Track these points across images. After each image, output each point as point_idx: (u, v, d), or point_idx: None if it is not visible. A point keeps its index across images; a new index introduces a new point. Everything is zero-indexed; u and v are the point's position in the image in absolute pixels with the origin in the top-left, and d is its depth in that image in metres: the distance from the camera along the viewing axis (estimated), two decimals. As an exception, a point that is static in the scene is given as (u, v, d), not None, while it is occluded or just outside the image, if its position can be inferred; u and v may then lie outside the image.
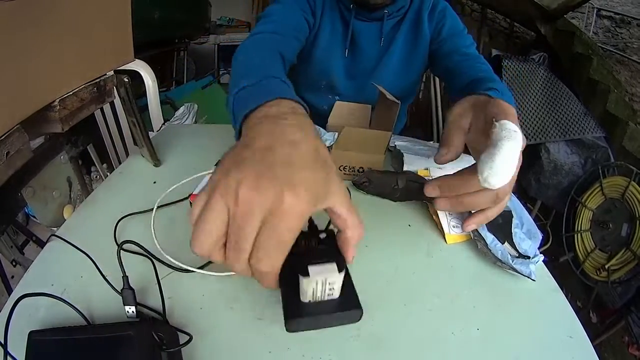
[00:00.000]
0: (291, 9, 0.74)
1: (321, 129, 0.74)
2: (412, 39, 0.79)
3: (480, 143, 0.40)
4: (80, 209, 0.58)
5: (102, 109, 1.12)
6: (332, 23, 0.78)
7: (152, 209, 0.57)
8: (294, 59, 0.73)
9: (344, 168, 0.68)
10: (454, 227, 0.57)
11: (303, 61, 0.83)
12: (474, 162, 0.40)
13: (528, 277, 0.49)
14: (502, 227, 0.54)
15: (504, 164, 0.33)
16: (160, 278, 0.44)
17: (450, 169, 0.68)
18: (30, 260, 0.49)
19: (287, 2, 0.76)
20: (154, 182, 0.64)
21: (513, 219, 0.54)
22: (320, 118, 0.74)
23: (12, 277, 0.67)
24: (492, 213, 0.44)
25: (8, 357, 0.35)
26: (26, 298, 0.37)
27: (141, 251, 0.48)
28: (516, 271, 0.49)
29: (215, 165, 0.61)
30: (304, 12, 0.76)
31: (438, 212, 0.59)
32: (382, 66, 0.82)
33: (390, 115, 0.69)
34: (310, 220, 0.34)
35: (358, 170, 0.68)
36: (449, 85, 0.79)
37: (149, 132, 0.67)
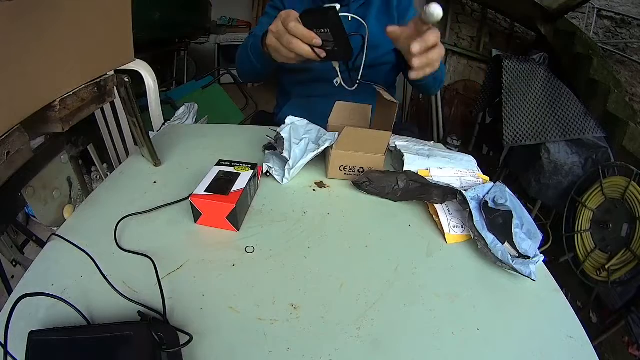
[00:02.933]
0: (269, 17, 0.96)
1: (321, 129, 0.74)
2: (384, 14, 0.96)
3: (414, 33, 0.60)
4: (81, 208, 0.58)
5: (102, 109, 1.12)
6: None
7: (153, 209, 0.57)
8: None
9: (344, 168, 0.68)
10: (454, 227, 0.57)
11: None
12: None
13: (528, 277, 0.49)
14: (502, 227, 0.54)
15: (435, 6, 0.51)
16: (160, 278, 0.44)
17: (450, 169, 0.68)
18: (30, 260, 0.49)
19: (267, 12, 1.00)
20: (154, 182, 0.64)
21: (513, 219, 0.54)
22: (319, 83, 0.93)
23: (12, 277, 0.67)
24: (436, 55, 0.60)
25: (8, 357, 0.35)
26: (26, 298, 0.37)
27: (142, 251, 0.48)
28: (516, 271, 0.49)
29: (216, 164, 0.61)
30: (278, 9, 0.95)
31: (438, 212, 0.59)
32: (357, 37, 0.93)
33: (390, 114, 0.69)
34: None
35: (358, 170, 0.68)
36: (403, 68, 0.98)
37: (149, 132, 0.67)
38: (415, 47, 0.57)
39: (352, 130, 0.69)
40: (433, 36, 0.57)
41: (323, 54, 0.63)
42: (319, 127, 0.74)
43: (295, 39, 0.61)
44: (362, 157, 0.66)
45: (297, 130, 0.71)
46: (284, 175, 0.66)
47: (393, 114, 0.68)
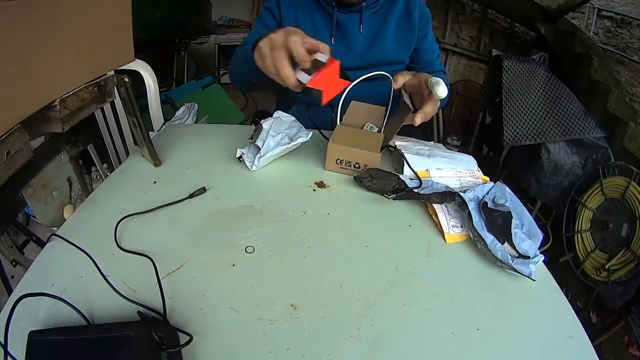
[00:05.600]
0: (264, 21, 0.95)
1: (303, 127, 0.75)
2: (404, 26, 0.94)
3: (421, 89, 0.70)
4: (81, 208, 0.58)
5: (102, 109, 1.12)
6: (311, 17, 0.93)
7: (153, 209, 0.57)
8: None
9: (340, 161, 0.70)
10: (453, 226, 0.57)
11: None
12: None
13: (528, 277, 0.49)
14: (501, 227, 0.54)
15: (443, 88, 0.61)
16: (160, 278, 0.44)
17: (449, 169, 0.68)
18: (30, 260, 0.49)
19: (262, 15, 0.96)
20: (154, 182, 0.64)
21: (513, 219, 0.54)
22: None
23: (12, 277, 0.67)
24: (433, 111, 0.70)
25: (8, 357, 0.35)
26: (26, 298, 0.37)
27: (142, 251, 0.48)
28: (516, 271, 0.49)
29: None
30: (274, 15, 0.94)
31: (437, 211, 0.59)
32: (374, 47, 0.94)
33: (401, 118, 0.71)
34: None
35: (354, 165, 0.69)
36: None
37: (150, 132, 0.67)
38: (418, 121, 0.68)
39: (344, 128, 0.72)
40: (432, 108, 0.68)
41: (299, 89, 0.59)
42: (301, 125, 0.76)
43: (284, 56, 0.57)
44: (357, 153, 0.68)
45: (279, 124, 0.73)
46: (253, 163, 0.68)
47: (404, 117, 0.70)
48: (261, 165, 0.69)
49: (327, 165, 0.71)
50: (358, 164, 0.69)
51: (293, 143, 0.69)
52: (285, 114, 0.76)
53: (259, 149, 0.68)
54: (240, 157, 0.70)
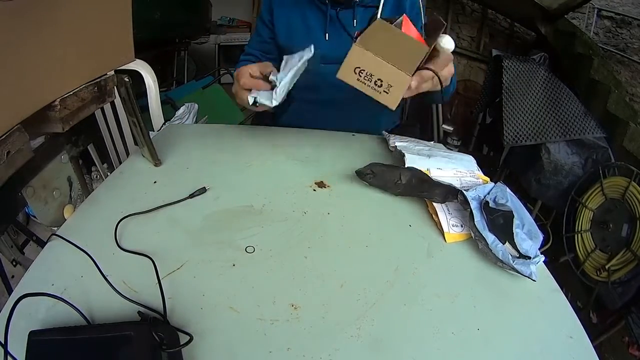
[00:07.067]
0: (259, 31, 1.00)
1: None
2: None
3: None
4: (81, 208, 0.58)
5: (102, 109, 1.12)
6: (303, 16, 0.94)
7: (153, 209, 0.57)
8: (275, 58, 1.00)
9: (360, 72, 0.55)
10: (453, 226, 0.57)
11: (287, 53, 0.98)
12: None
13: (529, 278, 0.49)
14: (503, 227, 0.54)
15: (450, 41, 0.61)
16: (160, 278, 0.44)
17: (450, 169, 0.68)
18: (30, 260, 0.49)
19: (257, 25, 1.01)
20: (154, 182, 0.64)
21: (514, 219, 0.54)
22: (326, 88, 0.94)
23: (12, 277, 0.67)
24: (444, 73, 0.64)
25: (8, 357, 0.35)
26: (26, 298, 0.37)
27: (142, 251, 0.48)
28: (517, 271, 0.49)
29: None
30: (266, 23, 0.97)
31: (437, 211, 0.59)
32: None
33: (435, 35, 0.62)
34: None
35: (375, 81, 0.55)
36: None
37: (150, 132, 0.67)
38: (414, 83, 0.56)
39: (385, 26, 0.58)
40: (430, 72, 0.59)
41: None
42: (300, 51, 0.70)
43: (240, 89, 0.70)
44: (385, 68, 0.53)
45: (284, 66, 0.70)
46: (273, 98, 0.65)
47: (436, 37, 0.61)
48: (280, 96, 0.65)
49: (342, 72, 0.56)
50: (380, 81, 0.54)
51: (301, 62, 0.67)
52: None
53: (269, 90, 0.67)
54: (255, 102, 0.67)
